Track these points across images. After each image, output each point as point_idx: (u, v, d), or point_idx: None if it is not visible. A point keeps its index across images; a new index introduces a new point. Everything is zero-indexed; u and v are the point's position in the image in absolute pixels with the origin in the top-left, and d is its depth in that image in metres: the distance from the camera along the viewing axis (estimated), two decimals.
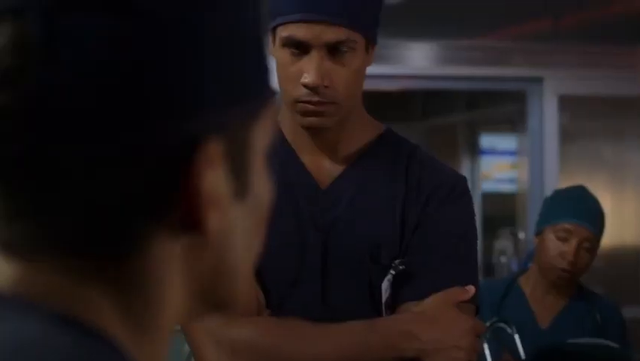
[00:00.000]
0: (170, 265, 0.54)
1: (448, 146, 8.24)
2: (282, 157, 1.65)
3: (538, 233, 2.86)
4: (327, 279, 1.62)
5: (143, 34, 0.51)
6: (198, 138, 0.53)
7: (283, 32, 1.57)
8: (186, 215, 0.53)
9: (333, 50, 1.56)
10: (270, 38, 1.61)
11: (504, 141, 7.90)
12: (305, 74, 1.55)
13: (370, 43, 1.62)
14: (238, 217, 0.58)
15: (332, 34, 1.55)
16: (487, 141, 8.07)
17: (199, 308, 0.58)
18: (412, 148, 1.71)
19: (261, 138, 0.59)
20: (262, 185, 0.61)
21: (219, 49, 0.54)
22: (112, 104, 0.51)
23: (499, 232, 6.76)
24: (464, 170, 8.14)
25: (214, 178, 0.54)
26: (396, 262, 1.61)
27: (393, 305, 1.61)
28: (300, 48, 1.56)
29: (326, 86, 1.55)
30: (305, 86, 1.55)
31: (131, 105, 0.51)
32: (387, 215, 1.64)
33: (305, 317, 1.55)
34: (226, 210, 0.56)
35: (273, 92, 0.61)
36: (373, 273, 1.61)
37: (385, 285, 1.61)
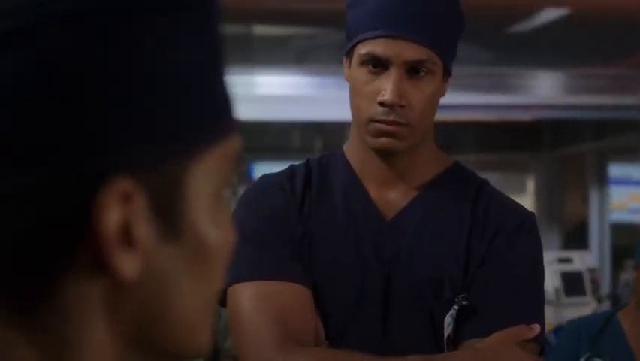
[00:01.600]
0: (89, 307, 0.52)
1: (576, 175, 8.06)
2: (347, 187, 1.65)
3: (637, 266, 2.76)
4: (388, 312, 1.60)
5: (44, 61, 0.50)
6: (103, 176, 0.51)
7: (362, 49, 1.56)
8: (94, 256, 0.51)
9: (412, 71, 1.55)
10: (346, 61, 1.61)
11: (635, 171, 7.68)
12: (382, 92, 1.53)
13: (447, 70, 1.61)
14: (171, 261, 0.54)
15: (413, 52, 1.54)
16: (615, 170, 7.85)
17: (136, 356, 0.55)
18: (480, 182, 1.67)
19: (205, 178, 0.56)
20: (209, 227, 0.57)
21: (140, 87, 0.52)
22: (4, 137, 0.49)
23: (624, 263, 6.61)
24: (593, 200, 7.94)
25: (125, 219, 0.52)
26: (460, 297, 1.58)
27: (455, 341, 1.58)
28: (378, 66, 1.55)
29: (402, 106, 1.54)
30: (381, 104, 1.53)
31: (26, 139, 0.49)
32: (452, 249, 1.61)
33: (364, 350, 1.53)
34: (150, 253, 0.53)
35: (226, 133, 0.57)
36: (436, 307, 1.59)
37: (448, 320, 1.58)
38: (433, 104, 1.60)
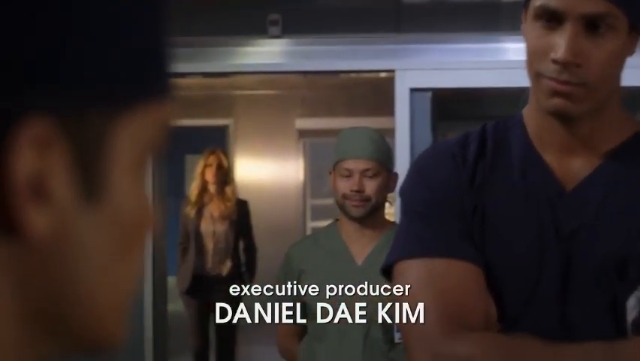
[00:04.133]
0: None
1: None
2: (524, 155, 1.52)
3: None
4: (567, 293, 1.46)
5: None
6: (16, 115, 0.45)
7: (537, 1, 1.42)
8: (1, 209, 0.45)
9: (591, 26, 1.39)
10: (524, 15, 1.48)
11: None
12: (555, 48, 1.39)
13: (635, 27, 1.43)
14: (87, 227, 0.48)
15: (590, 5, 1.38)
16: None
17: (37, 338, 0.48)
18: None
19: (130, 143, 0.50)
20: (130, 197, 0.50)
21: (67, 17, 0.46)
22: None
23: None
24: None
25: (40, 168, 0.45)
26: None
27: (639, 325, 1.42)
28: (553, 20, 1.40)
29: (578, 65, 1.39)
30: (554, 62, 1.40)
31: None
32: (638, 224, 1.44)
33: (539, 335, 1.40)
34: (64, 213, 0.46)
35: (158, 96, 0.51)
36: (619, 289, 1.43)
37: (632, 302, 1.42)
38: (616, 64, 1.44)
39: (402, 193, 1.57)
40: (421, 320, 1.43)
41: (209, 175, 6.22)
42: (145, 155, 0.51)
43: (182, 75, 5.72)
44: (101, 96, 0.48)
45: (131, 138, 0.50)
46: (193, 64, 4.72)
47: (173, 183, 8.70)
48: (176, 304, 6.93)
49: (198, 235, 6.23)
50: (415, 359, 1.43)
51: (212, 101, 8.95)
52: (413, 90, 4.44)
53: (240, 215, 6.32)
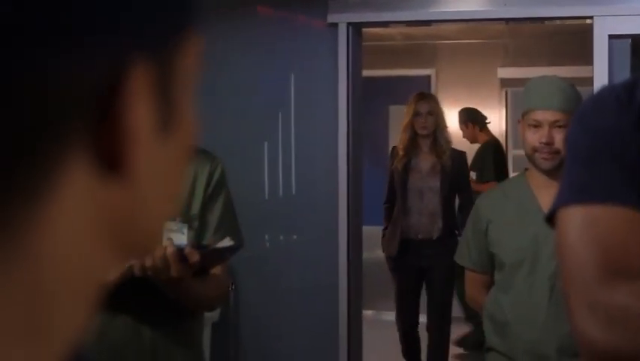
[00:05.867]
0: (82, 203, 0.48)
1: None
2: None
3: None
4: None
5: None
6: (124, 59, 0.46)
7: None
8: (107, 150, 0.47)
9: None
10: None
11: None
12: None
13: None
14: (161, 155, 0.51)
15: None
16: None
17: (108, 253, 0.51)
18: None
19: (186, 73, 0.52)
20: (191, 126, 0.53)
21: None
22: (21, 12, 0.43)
23: None
24: None
25: (142, 110, 0.47)
26: None
27: None
28: None
29: None
30: None
31: (45, 14, 0.44)
32: None
33: None
34: (149, 147, 0.49)
35: (197, 25, 0.53)
36: None
37: None
38: None
39: (567, 139, 1.55)
40: (578, 269, 1.40)
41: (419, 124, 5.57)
42: (192, 85, 0.54)
43: (385, 24, 5.76)
44: (171, 28, 0.50)
45: (186, 69, 0.52)
46: (395, 12, 4.74)
47: (375, 134, 8.80)
48: (372, 253, 7.02)
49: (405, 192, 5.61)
50: (572, 308, 1.40)
51: (414, 51, 8.95)
52: (612, 37, 4.28)
53: (456, 167, 5.61)
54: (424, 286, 5.79)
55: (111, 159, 0.47)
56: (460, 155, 5.77)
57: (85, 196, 0.48)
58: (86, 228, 0.49)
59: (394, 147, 5.83)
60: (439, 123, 5.61)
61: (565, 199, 1.46)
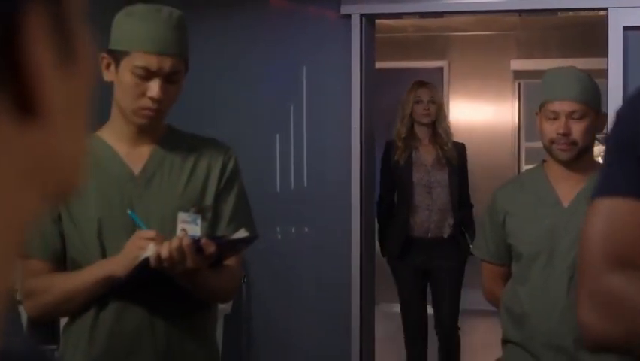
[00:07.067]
0: (1, 148, 0.49)
1: None
2: None
3: None
4: None
5: None
6: (15, 1, 0.47)
7: None
8: (17, 94, 0.48)
9: None
10: None
11: None
12: None
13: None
14: (66, 89, 0.52)
15: None
16: None
17: (31, 194, 0.52)
18: None
19: (77, 12, 0.53)
20: (86, 52, 0.54)
21: None
22: None
23: None
24: None
25: (41, 48, 0.48)
26: None
27: None
28: None
29: None
30: None
31: None
32: None
33: None
34: (54, 83, 0.50)
35: None
36: None
37: None
38: None
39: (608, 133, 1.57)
40: (589, 259, 1.44)
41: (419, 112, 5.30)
42: (84, 14, 0.54)
43: (398, 15, 5.74)
44: None
45: (76, 7, 0.53)
46: (408, 3, 4.72)
47: (387, 126, 8.76)
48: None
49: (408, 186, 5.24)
50: (578, 296, 1.45)
51: (427, 42, 8.92)
52: (627, 28, 4.25)
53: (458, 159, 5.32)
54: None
55: (22, 101, 0.49)
56: (461, 147, 5.40)
57: (2, 141, 0.49)
58: (7, 172, 0.50)
59: (390, 141, 5.41)
60: (439, 113, 5.33)
61: (596, 191, 1.48)
